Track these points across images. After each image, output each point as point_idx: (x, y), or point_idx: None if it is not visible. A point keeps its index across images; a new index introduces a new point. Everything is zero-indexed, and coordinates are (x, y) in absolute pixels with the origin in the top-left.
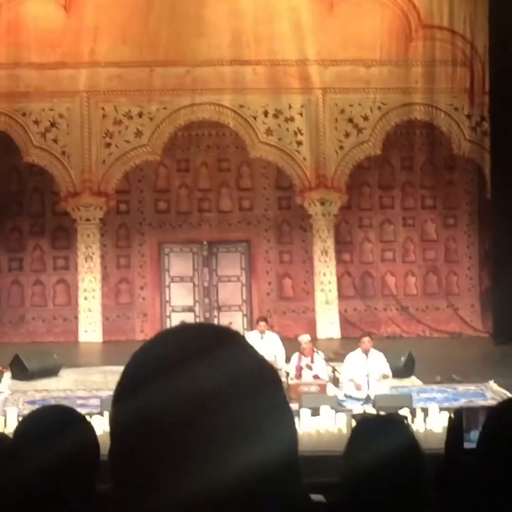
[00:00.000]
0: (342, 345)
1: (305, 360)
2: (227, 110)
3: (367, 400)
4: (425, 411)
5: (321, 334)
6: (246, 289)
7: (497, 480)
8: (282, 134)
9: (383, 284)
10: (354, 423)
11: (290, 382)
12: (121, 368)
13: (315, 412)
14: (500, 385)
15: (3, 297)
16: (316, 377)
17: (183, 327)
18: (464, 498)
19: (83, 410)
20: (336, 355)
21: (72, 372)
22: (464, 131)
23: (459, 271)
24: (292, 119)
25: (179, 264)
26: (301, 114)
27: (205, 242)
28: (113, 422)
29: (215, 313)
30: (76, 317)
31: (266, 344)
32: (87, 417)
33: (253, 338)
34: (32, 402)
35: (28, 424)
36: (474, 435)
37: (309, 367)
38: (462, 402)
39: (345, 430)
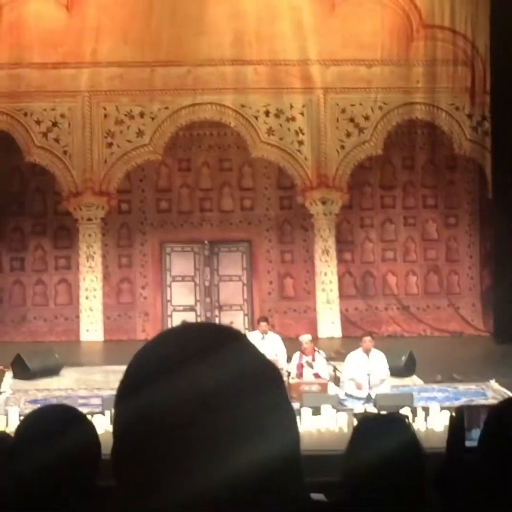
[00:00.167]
0: (343, 344)
1: (306, 358)
2: (229, 110)
3: (368, 399)
4: (426, 410)
5: (322, 333)
6: (247, 288)
7: (498, 478)
8: (284, 134)
9: (384, 284)
10: (355, 422)
11: (291, 381)
12: (122, 368)
13: (316, 411)
14: (501, 384)
15: (5, 296)
16: (316, 375)
17: (185, 327)
18: (465, 497)
19: (85, 409)
20: (337, 355)
21: (73, 372)
22: (465, 130)
23: (460, 270)
24: (293, 118)
25: (180, 263)
26: (302, 114)
27: (206, 242)
28: (115, 421)
29: (216, 312)
30: (77, 317)
31: (268, 345)
32: (89, 417)
33: (254, 338)
34: (33, 402)
35: (29, 423)
36: (475, 433)
37: (310, 365)
38: (463, 401)
39: (346, 429)
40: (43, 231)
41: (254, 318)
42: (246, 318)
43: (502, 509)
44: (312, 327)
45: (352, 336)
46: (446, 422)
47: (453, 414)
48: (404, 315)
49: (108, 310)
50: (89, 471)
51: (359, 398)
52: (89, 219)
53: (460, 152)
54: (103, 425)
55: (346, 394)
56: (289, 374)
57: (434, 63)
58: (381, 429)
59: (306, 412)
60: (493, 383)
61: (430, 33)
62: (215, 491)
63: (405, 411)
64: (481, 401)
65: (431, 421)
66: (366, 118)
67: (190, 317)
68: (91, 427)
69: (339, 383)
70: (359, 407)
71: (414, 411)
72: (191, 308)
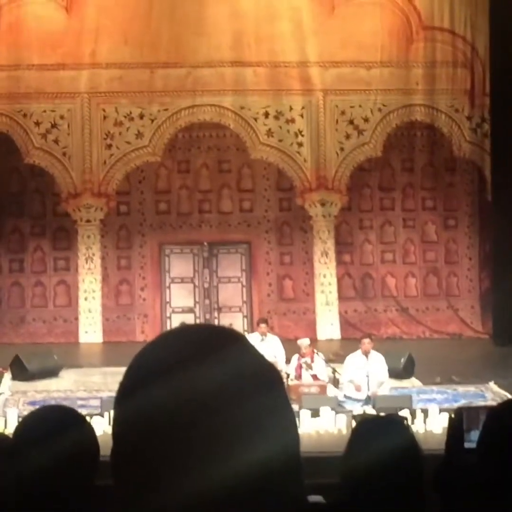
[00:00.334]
0: (342, 346)
1: (305, 359)
2: (228, 111)
3: (367, 401)
4: (425, 412)
5: (321, 335)
6: (246, 290)
7: (497, 479)
8: (283, 136)
9: (383, 286)
10: (354, 424)
11: (290, 383)
12: (121, 369)
13: (315, 413)
14: (500, 386)
15: (4, 298)
16: (315, 377)
17: (184, 328)
18: (464, 498)
19: (84, 410)
20: (336, 356)
21: (72, 373)
22: (464, 132)
23: (459, 272)
24: (292, 120)
25: (179, 265)
26: (301, 116)
27: (205, 243)
28: (115, 421)
29: (216, 314)
30: (76, 318)
31: (267, 346)
32: (87, 418)
33: (253, 340)
34: (32, 403)
35: (28, 424)
36: (474, 435)
37: (309, 366)
38: (462, 403)
39: (345, 431)
40: (42, 233)
41: (253, 320)
42: (245, 319)
43: (501, 510)
44: (311, 329)
45: (351, 338)
46: (445, 424)
47: (452, 415)
48: (403, 317)
49: (107, 312)
50: (87, 472)
51: (358, 400)
52: (88, 221)
53: (459, 154)
54: (102, 426)
55: (345, 396)
56: (288, 375)
57: (433, 65)
58: (379, 431)
59: (305, 413)
60: (492, 385)
61: (430, 35)
62: (215, 492)
63: (404, 413)
64: (480, 403)
65: (430, 423)
66: (366, 120)
67: (189, 319)
68: (89, 429)
69: (338, 385)
70: (358, 409)
71: (413, 413)
72: (190, 310)
